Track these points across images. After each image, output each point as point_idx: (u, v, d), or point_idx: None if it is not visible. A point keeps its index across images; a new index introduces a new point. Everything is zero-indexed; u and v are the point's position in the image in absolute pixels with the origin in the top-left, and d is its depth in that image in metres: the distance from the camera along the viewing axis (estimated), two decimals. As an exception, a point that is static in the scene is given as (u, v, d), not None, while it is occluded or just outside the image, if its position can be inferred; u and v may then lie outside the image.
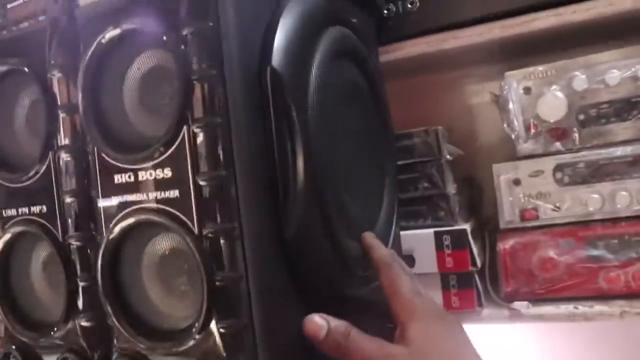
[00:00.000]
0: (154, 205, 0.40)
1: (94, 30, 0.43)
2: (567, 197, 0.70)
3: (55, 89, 0.45)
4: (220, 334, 0.39)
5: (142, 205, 0.41)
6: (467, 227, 0.74)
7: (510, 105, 0.71)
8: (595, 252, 0.69)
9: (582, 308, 0.70)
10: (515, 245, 0.72)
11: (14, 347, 0.50)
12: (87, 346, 0.45)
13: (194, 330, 0.39)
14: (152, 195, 0.40)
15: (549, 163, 0.71)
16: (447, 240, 0.74)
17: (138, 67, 0.43)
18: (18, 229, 0.48)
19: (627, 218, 0.69)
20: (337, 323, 0.43)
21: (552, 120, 0.70)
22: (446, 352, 0.42)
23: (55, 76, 0.45)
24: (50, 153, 0.46)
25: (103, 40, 0.42)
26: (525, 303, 0.72)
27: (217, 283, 0.38)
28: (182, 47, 0.39)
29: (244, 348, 0.39)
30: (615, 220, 0.69)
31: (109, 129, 0.43)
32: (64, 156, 0.45)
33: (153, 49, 0.42)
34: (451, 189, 0.76)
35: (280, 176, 0.41)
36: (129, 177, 0.41)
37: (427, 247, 0.75)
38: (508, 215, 0.73)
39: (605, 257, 0.69)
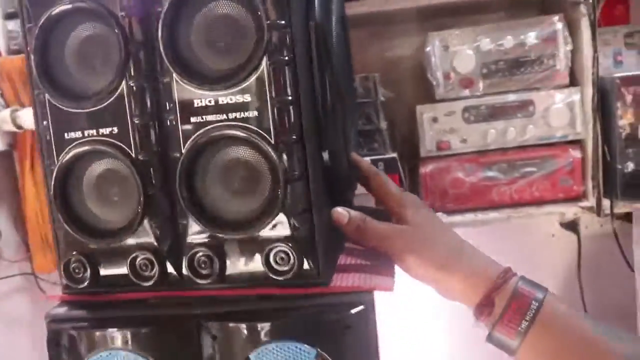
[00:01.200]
0: (234, 123, 0.52)
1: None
2: (471, 132, 0.93)
3: (127, 27, 0.53)
4: (288, 220, 0.52)
5: (224, 123, 0.52)
6: (395, 155, 0.94)
7: (433, 59, 0.91)
8: (490, 174, 0.93)
9: (481, 215, 0.94)
10: (433, 169, 0.94)
11: (74, 253, 0.58)
12: (158, 243, 0.56)
13: (270, 217, 0.52)
14: (232, 115, 0.52)
15: (459, 105, 0.92)
16: (381, 166, 0.93)
17: (206, 13, 0.53)
18: (84, 148, 0.55)
19: (514, 148, 0.93)
20: (355, 212, 0.59)
21: (463, 72, 0.91)
22: (436, 225, 0.61)
23: (127, 16, 0.53)
24: (123, 82, 0.54)
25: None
26: (440, 213, 0.94)
27: (288, 180, 0.52)
28: (258, 2, 0.50)
29: (306, 224, 0.53)
30: (505, 150, 0.93)
31: (184, 63, 0.53)
32: (136, 84, 0.54)
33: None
34: (383, 125, 0.95)
35: (320, 98, 0.55)
36: (209, 101, 0.52)
37: (366, 173, 0.93)
38: (429, 146, 0.93)
39: (498, 177, 0.93)
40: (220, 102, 0.52)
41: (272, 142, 0.52)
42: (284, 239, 0.53)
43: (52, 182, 0.57)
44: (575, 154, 0.90)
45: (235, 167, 0.54)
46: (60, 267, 0.58)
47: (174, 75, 0.53)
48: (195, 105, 0.53)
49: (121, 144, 0.55)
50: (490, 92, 0.92)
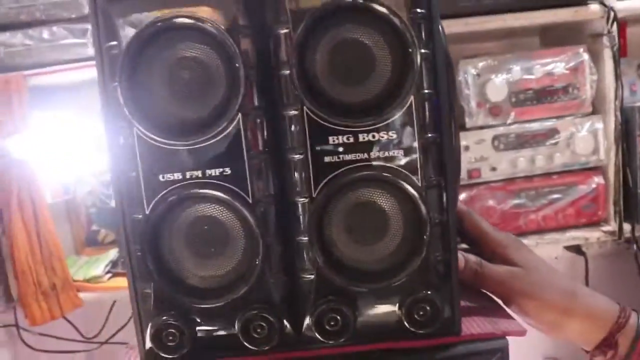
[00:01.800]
0: (376, 163, 0.46)
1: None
2: (501, 160, 0.92)
3: (248, 50, 0.46)
4: (430, 267, 0.47)
5: (365, 164, 0.46)
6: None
7: (465, 86, 0.89)
8: (518, 201, 0.93)
9: (511, 243, 0.93)
10: (466, 198, 0.92)
11: (165, 317, 0.48)
12: (276, 300, 0.48)
13: (410, 264, 0.47)
14: (375, 154, 0.46)
15: (488, 134, 0.92)
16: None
17: (334, 37, 0.47)
18: (187, 192, 0.47)
19: (539, 175, 0.94)
20: (471, 256, 0.55)
21: (494, 101, 0.91)
22: (546, 266, 0.58)
23: (246, 39, 0.46)
24: (239, 114, 0.46)
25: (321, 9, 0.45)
26: (471, 243, 0.92)
27: (432, 225, 0.47)
28: (404, 29, 0.45)
29: (445, 270, 0.49)
30: (531, 177, 0.94)
31: (316, 92, 0.46)
32: (256, 117, 0.46)
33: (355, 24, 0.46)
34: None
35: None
36: (347, 138, 0.46)
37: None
38: (461, 174, 0.91)
39: (526, 204, 0.93)
40: (361, 139, 0.46)
41: (419, 184, 0.47)
42: (426, 288, 0.48)
43: (143, 234, 0.47)
44: (599, 180, 0.92)
45: (364, 211, 0.48)
46: (149, 334, 0.49)
47: (305, 106, 0.46)
48: (331, 142, 0.46)
49: (236, 188, 0.47)
50: (518, 121, 0.92)
